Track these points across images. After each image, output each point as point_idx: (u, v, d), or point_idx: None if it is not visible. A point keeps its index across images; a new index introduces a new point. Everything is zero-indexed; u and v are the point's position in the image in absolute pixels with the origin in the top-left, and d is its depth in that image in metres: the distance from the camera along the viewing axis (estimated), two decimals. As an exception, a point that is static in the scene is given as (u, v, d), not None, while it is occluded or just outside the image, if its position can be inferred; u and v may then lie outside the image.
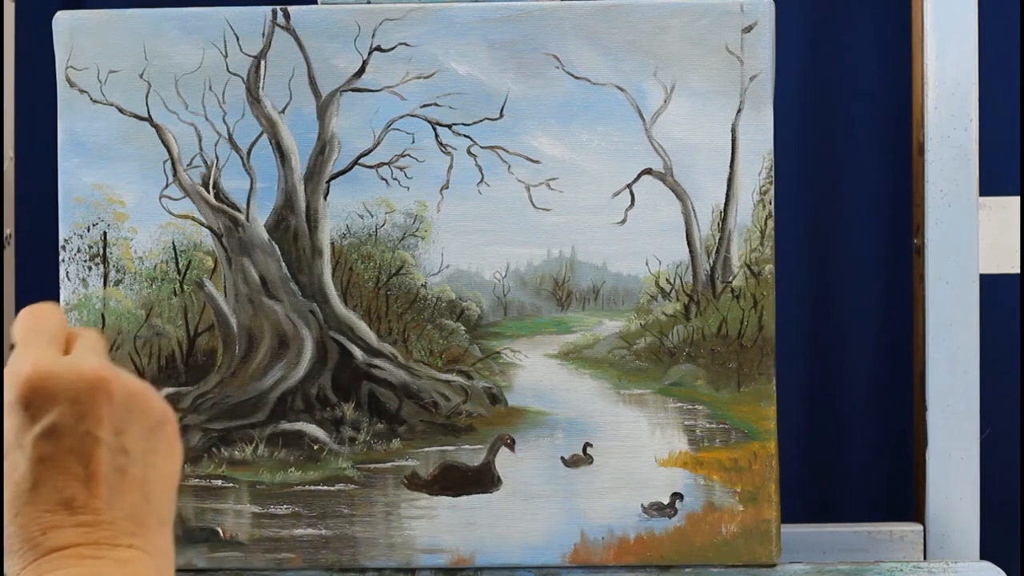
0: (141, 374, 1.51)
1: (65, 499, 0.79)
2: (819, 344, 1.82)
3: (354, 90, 1.51)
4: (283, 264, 1.51)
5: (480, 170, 1.51)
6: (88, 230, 1.51)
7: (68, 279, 1.51)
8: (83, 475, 0.79)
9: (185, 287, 1.51)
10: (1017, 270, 1.71)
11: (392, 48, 1.50)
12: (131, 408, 0.81)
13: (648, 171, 1.50)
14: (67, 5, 1.83)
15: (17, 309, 1.67)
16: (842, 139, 1.80)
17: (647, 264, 1.50)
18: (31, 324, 0.83)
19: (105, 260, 1.51)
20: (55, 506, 0.79)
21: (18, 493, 0.80)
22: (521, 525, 1.50)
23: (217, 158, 1.51)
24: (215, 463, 1.51)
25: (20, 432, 0.80)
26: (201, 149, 1.51)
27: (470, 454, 1.51)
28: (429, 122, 1.51)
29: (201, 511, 1.50)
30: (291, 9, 1.50)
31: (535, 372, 1.51)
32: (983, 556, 1.55)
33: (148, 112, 1.51)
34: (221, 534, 1.50)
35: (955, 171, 1.55)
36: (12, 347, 0.83)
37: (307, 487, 1.51)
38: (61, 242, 1.51)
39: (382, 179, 1.51)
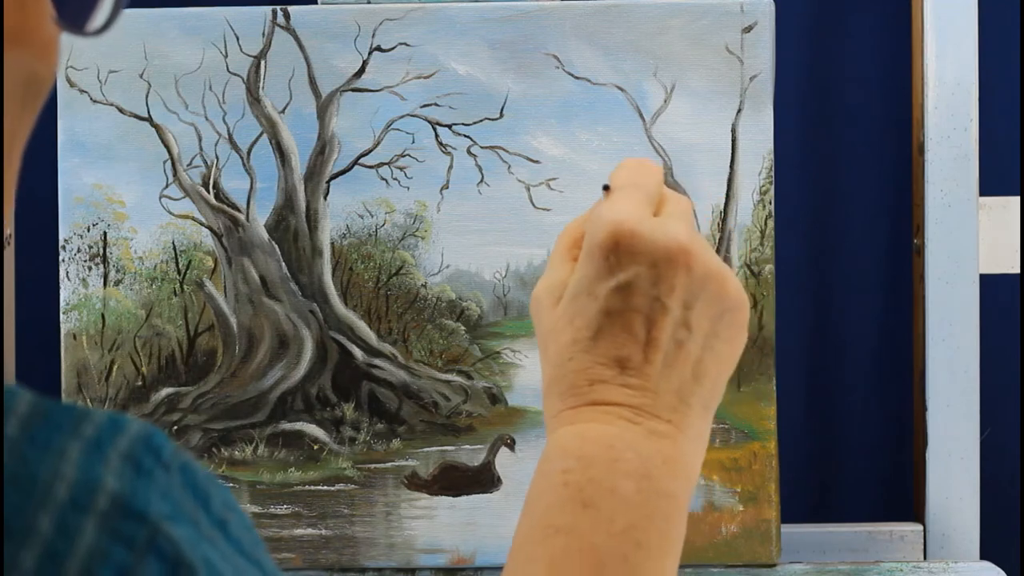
0: (141, 374, 1.51)
1: (620, 357, 0.78)
2: (819, 344, 1.82)
3: (354, 90, 1.51)
4: (283, 264, 1.51)
5: (480, 170, 1.51)
6: (88, 230, 1.51)
7: (68, 279, 1.51)
8: (643, 338, 0.78)
9: (185, 287, 1.51)
10: (1017, 270, 1.71)
11: (392, 48, 1.50)
12: (706, 286, 0.79)
13: (648, 171, 1.50)
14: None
15: (17, 309, 1.67)
16: (842, 139, 1.80)
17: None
18: (632, 176, 0.82)
19: (105, 260, 1.51)
20: (609, 361, 0.79)
21: (578, 339, 0.79)
22: (521, 525, 1.50)
23: (217, 158, 1.51)
24: (215, 463, 1.51)
25: (595, 279, 0.79)
26: (201, 149, 1.51)
27: (470, 454, 1.51)
28: (429, 122, 1.51)
29: (201, 511, 1.50)
30: (291, 9, 1.50)
31: (535, 372, 1.51)
32: (983, 556, 1.55)
33: (148, 112, 1.51)
34: (221, 534, 1.50)
35: (955, 171, 1.55)
36: (605, 189, 0.81)
37: (307, 487, 1.51)
38: (61, 242, 1.51)
39: (382, 179, 1.51)
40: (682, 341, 0.79)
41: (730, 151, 1.49)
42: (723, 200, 1.50)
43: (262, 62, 1.51)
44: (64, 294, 1.51)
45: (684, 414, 0.79)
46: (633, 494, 0.76)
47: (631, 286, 0.78)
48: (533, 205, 1.51)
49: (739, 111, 1.49)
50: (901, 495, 1.74)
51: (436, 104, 1.51)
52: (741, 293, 0.81)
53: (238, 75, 1.51)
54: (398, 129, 1.51)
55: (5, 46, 0.56)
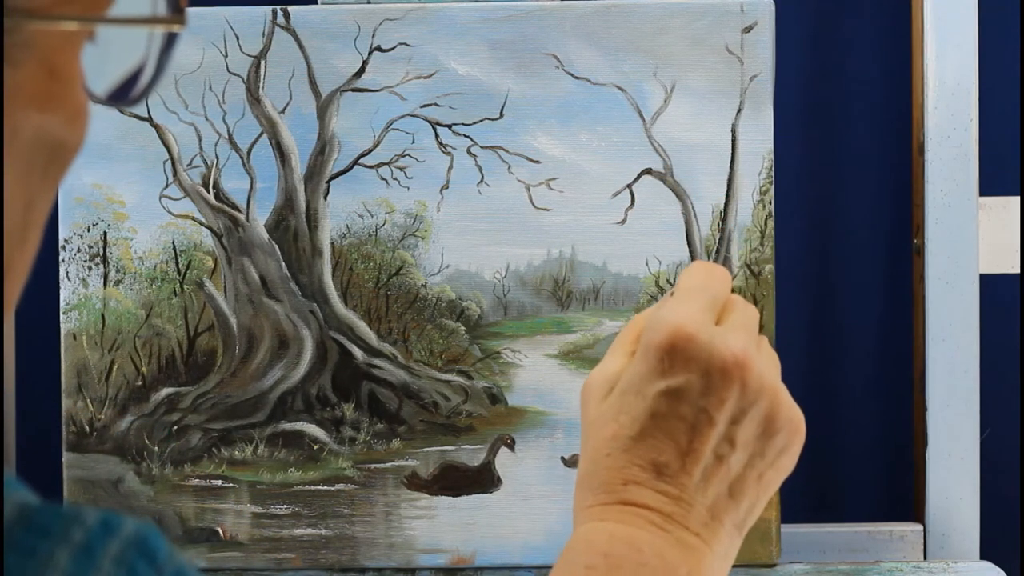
0: (141, 374, 1.51)
1: (659, 462, 0.77)
2: (819, 344, 1.82)
3: (354, 90, 1.51)
4: (283, 264, 1.51)
5: (480, 170, 1.51)
6: (88, 230, 1.51)
7: (68, 279, 1.51)
8: (685, 447, 0.77)
9: (185, 287, 1.51)
10: (1017, 270, 1.71)
11: (392, 48, 1.50)
12: (757, 403, 0.78)
13: (648, 171, 1.50)
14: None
15: (17, 309, 1.67)
16: (842, 139, 1.80)
17: (647, 264, 1.50)
18: (699, 280, 0.80)
19: (105, 260, 1.51)
20: (646, 463, 0.77)
21: (619, 435, 0.78)
22: (521, 525, 1.50)
23: (217, 158, 1.51)
24: (215, 463, 1.51)
25: (646, 379, 0.78)
26: (201, 149, 1.51)
27: (470, 454, 1.51)
28: (429, 122, 1.51)
29: (201, 511, 1.50)
30: (291, 9, 1.50)
31: (535, 372, 1.51)
32: (983, 556, 1.55)
33: (148, 112, 1.51)
34: (221, 534, 1.50)
35: (955, 171, 1.55)
36: (671, 294, 0.80)
37: (307, 487, 1.51)
38: (61, 242, 1.51)
39: (382, 179, 1.51)
40: (723, 456, 0.78)
41: (730, 151, 1.49)
42: (723, 200, 1.50)
43: (262, 62, 1.51)
44: (64, 294, 1.51)
45: (714, 530, 0.79)
46: None
47: (680, 392, 0.77)
48: (533, 205, 1.51)
49: (739, 111, 1.49)
50: (901, 495, 1.74)
51: (436, 104, 1.51)
52: (794, 415, 0.79)
53: (238, 75, 1.51)
54: (398, 129, 1.51)
55: (30, 110, 0.55)
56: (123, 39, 0.58)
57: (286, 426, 1.51)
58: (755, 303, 1.49)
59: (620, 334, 0.82)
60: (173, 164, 1.51)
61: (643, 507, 0.77)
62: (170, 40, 0.58)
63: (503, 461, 1.51)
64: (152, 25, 0.58)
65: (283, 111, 1.51)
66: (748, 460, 0.79)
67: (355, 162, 1.51)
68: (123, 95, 0.59)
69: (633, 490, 0.77)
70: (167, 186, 1.51)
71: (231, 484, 1.51)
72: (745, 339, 0.78)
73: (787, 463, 0.80)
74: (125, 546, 0.52)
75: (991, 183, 1.66)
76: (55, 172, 0.58)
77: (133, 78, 0.59)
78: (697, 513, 0.78)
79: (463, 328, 1.52)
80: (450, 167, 1.51)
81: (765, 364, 0.79)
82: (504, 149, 1.51)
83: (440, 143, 1.51)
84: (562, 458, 1.50)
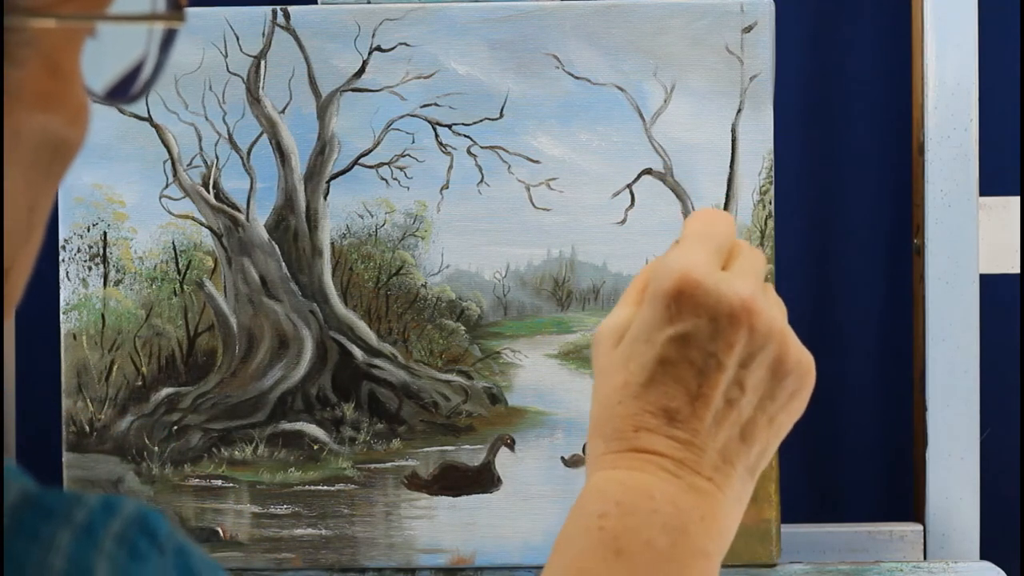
0: (141, 374, 1.51)
1: (669, 408, 0.77)
2: (819, 344, 1.82)
3: (354, 90, 1.51)
4: (283, 264, 1.51)
5: (480, 170, 1.51)
6: (88, 230, 1.51)
7: (68, 279, 1.51)
8: (694, 392, 0.77)
9: (185, 287, 1.51)
10: (1017, 270, 1.71)
11: (392, 48, 1.50)
12: (765, 347, 0.78)
13: (648, 171, 1.50)
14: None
15: (17, 309, 1.67)
16: (842, 139, 1.80)
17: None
18: (704, 226, 0.80)
19: (105, 260, 1.51)
20: (657, 410, 0.78)
21: (629, 383, 0.78)
22: (521, 525, 1.50)
23: (217, 158, 1.51)
24: (215, 463, 1.51)
25: (654, 326, 0.78)
26: (201, 149, 1.51)
27: (470, 454, 1.51)
28: (429, 122, 1.51)
29: (201, 511, 1.50)
30: (291, 9, 1.50)
31: (535, 372, 1.51)
32: (983, 556, 1.55)
33: (148, 112, 1.51)
34: (221, 534, 1.50)
35: (955, 171, 1.55)
36: (676, 241, 0.80)
37: (307, 487, 1.51)
38: (61, 242, 1.51)
39: (382, 179, 1.51)
40: (734, 400, 0.78)
41: (730, 151, 1.49)
42: (723, 200, 1.50)
43: (262, 62, 1.51)
44: (64, 294, 1.51)
45: (727, 474, 0.78)
46: (668, 548, 0.75)
47: (688, 337, 0.77)
48: (533, 205, 1.51)
49: (739, 111, 1.49)
50: (901, 495, 1.74)
51: (436, 104, 1.51)
52: (804, 357, 0.79)
53: (238, 75, 1.51)
54: (398, 129, 1.51)
55: (32, 110, 0.55)
56: (122, 37, 0.58)
57: (286, 426, 1.51)
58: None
59: (631, 285, 0.83)
60: (173, 164, 1.51)
61: (655, 454, 0.77)
62: (169, 37, 0.58)
63: (503, 461, 1.51)
64: (151, 22, 0.58)
65: (283, 111, 1.51)
66: (759, 403, 0.78)
67: (355, 162, 1.51)
68: (122, 93, 0.59)
69: (644, 437, 0.78)
70: (167, 186, 1.51)
71: (231, 484, 1.51)
72: (753, 283, 0.78)
73: (798, 406, 0.80)
74: (126, 525, 0.53)
75: (991, 183, 1.66)
76: (57, 171, 0.58)
77: (132, 76, 0.59)
78: (709, 458, 0.78)
79: (463, 328, 1.52)
80: (450, 167, 1.51)
81: (772, 308, 0.79)
82: (504, 149, 1.51)
83: (440, 143, 1.51)
84: (562, 458, 1.50)
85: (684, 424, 0.77)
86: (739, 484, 0.79)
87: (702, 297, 0.77)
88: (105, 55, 0.58)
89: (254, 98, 1.51)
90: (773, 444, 0.80)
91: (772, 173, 1.50)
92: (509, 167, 1.51)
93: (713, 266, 0.78)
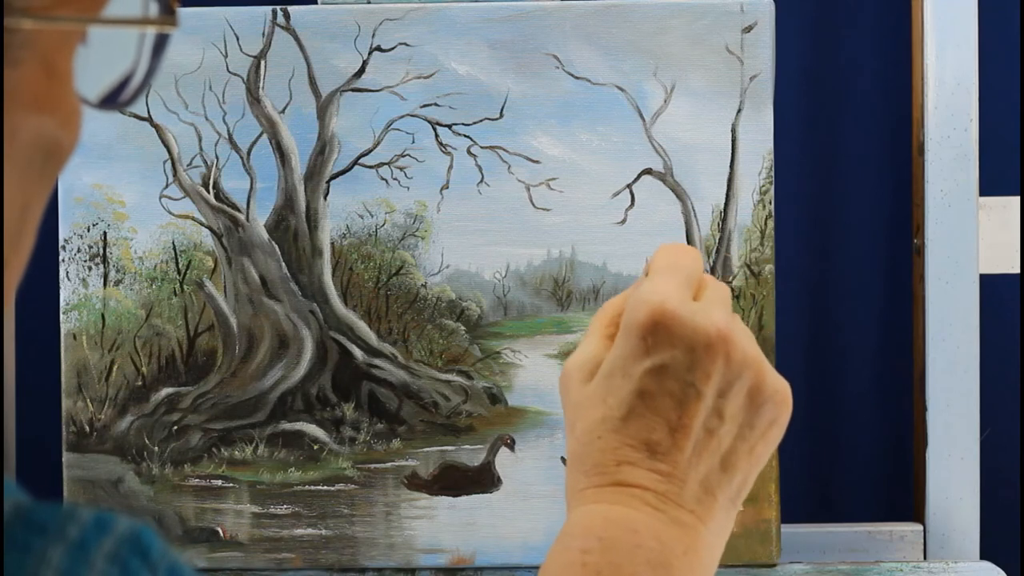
0: (141, 374, 1.51)
1: (650, 441, 0.77)
2: (819, 344, 1.82)
3: (354, 90, 1.51)
4: (283, 264, 1.51)
5: (480, 170, 1.51)
6: (88, 230, 1.51)
7: (68, 279, 1.51)
8: (675, 423, 0.77)
9: (185, 287, 1.51)
10: (1017, 270, 1.71)
11: (392, 48, 1.50)
12: (742, 375, 0.78)
13: (648, 171, 1.50)
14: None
15: (17, 309, 1.67)
16: (842, 139, 1.81)
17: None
18: (672, 259, 0.81)
19: (105, 260, 1.51)
20: (638, 443, 0.78)
21: (608, 417, 0.78)
22: (521, 525, 1.50)
23: (217, 158, 1.51)
24: (215, 463, 1.51)
25: (631, 359, 0.78)
26: (201, 149, 1.51)
27: (470, 454, 1.51)
28: (429, 122, 1.51)
29: (201, 511, 1.50)
30: (291, 9, 1.51)
31: (535, 372, 1.51)
32: (983, 556, 1.55)
33: (148, 112, 1.51)
34: (221, 534, 1.50)
35: (955, 171, 1.55)
36: (645, 275, 0.81)
37: (307, 487, 1.51)
38: (61, 242, 1.51)
39: (382, 179, 1.51)
40: (713, 429, 0.78)
41: (730, 151, 1.49)
42: (723, 200, 1.50)
43: (262, 62, 1.51)
44: (64, 294, 1.51)
45: (709, 506, 0.78)
46: None
47: (666, 369, 0.77)
48: (533, 205, 1.51)
49: (739, 111, 1.49)
50: (901, 495, 1.74)
51: (436, 104, 1.51)
52: (780, 386, 0.80)
53: (238, 75, 1.51)
54: (398, 129, 1.51)
55: (28, 111, 0.55)
56: (114, 41, 0.58)
57: (286, 426, 1.51)
58: (755, 303, 1.49)
59: (594, 319, 0.83)
60: (173, 164, 1.51)
61: (637, 487, 0.78)
62: (161, 42, 0.58)
63: (503, 461, 1.51)
64: (144, 26, 0.58)
65: (283, 111, 1.51)
66: (738, 432, 0.79)
67: (355, 162, 1.51)
68: (113, 99, 0.59)
69: (626, 470, 0.78)
70: (167, 186, 1.51)
71: (231, 484, 1.51)
72: (725, 313, 0.79)
73: (776, 434, 0.80)
74: (119, 543, 0.53)
75: (991, 183, 1.66)
76: (50, 173, 0.58)
77: (124, 81, 0.59)
78: (690, 489, 0.78)
79: (463, 328, 1.52)
80: (450, 167, 1.51)
81: (749, 337, 0.79)
82: (504, 149, 1.51)
83: (440, 143, 1.51)
84: (562, 458, 1.50)
85: (665, 456, 0.78)
86: (721, 515, 0.79)
87: (678, 328, 0.77)
88: (96, 60, 0.58)
89: (254, 98, 1.51)
90: (753, 474, 0.80)
91: (772, 173, 1.50)
92: (509, 167, 1.51)
93: (686, 297, 0.79)
